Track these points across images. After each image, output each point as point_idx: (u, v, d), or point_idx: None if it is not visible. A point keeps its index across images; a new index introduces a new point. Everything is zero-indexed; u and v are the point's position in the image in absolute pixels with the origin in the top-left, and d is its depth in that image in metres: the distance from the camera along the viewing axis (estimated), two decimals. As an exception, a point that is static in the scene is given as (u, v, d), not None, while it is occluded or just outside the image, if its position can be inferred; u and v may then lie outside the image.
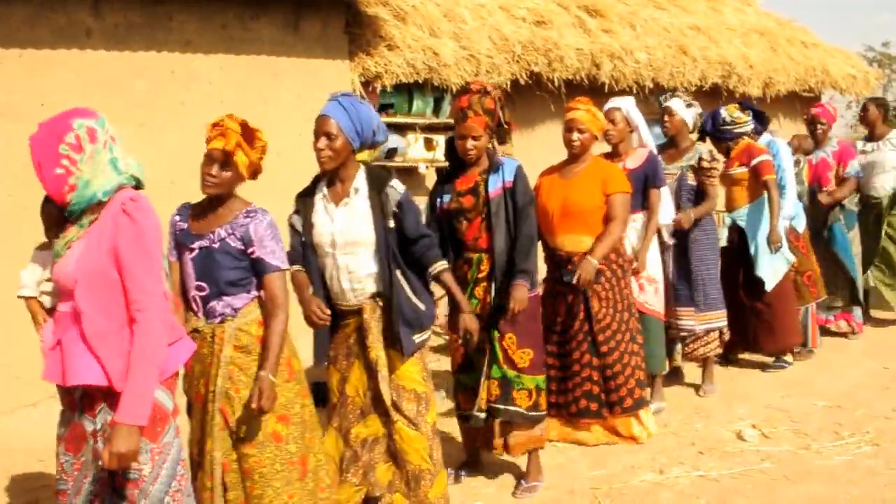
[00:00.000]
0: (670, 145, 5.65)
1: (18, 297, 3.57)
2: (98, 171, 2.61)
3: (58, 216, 2.81)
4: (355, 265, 3.47)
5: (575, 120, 4.52)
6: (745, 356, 6.35)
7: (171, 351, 2.71)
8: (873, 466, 4.34)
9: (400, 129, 7.13)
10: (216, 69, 5.95)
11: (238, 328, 3.10)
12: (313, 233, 3.51)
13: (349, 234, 3.45)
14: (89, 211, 2.64)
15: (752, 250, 5.91)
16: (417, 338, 3.52)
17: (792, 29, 11.64)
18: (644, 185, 5.03)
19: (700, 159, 5.46)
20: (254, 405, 3.02)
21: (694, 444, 4.74)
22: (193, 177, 3.27)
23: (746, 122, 5.87)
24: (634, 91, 8.33)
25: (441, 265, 3.57)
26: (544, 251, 4.70)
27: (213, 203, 3.15)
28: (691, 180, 5.50)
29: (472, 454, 4.41)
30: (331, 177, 3.51)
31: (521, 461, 4.29)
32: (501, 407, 4.04)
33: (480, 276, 4.06)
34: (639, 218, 5.05)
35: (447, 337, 5.00)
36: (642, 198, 5.05)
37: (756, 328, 6.02)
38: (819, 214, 6.81)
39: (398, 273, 3.47)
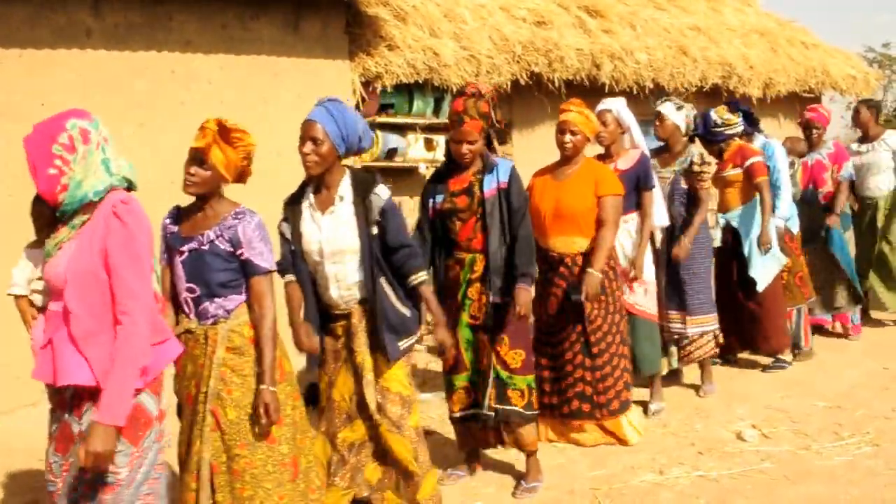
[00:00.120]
0: (665, 149, 5.65)
1: (8, 294, 3.57)
2: (90, 171, 2.62)
3: (48, 215, 2.82)
4: (343, 273, 3.50)
5: (567, 122, 4.52)
6: (745, 356, 6.36)
7: (158, 351, 2.72)
8: (873, 467, 4.33)
9: (400, 129, 7.13)
10: (216, 69, 5.96)
11: (230, 329, 3.11)
12: (302, 241, 3.53)
13: (336, 242, 3.47)
14: (81, 212, 2.65)
15: (745, 251, 5.92)
16: (403, 344, 3.54)
17: (792, 29, 11.65)
18: (636, 185, 5.02)
19: (691, 163, 5.45)
20: (263, 421, 3.05)
21: (694, 445, 4.74)
22: (193, 177, 3.27)
23: (737, 124, 5.87)
24: (635, 92, 8.34)
25: (419, 276, 3.54)
26: (536, 252, 4.70)
27: (201, 205, 3.15)
28: (684, 184, 5.49)
29: (471, 454, 4.41)
30: (317, 183, 3.53)
31: (520, 462, 4.29)
32: (499, 407, 4.06)
33: (474, 276, 4.06)
34: (630, 219, 5.04)
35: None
36: (635, 198, 5.04)
37: (750, 328, 6.03)
38: (816, 216, 6.83)
39: (383, 280, 3.49)
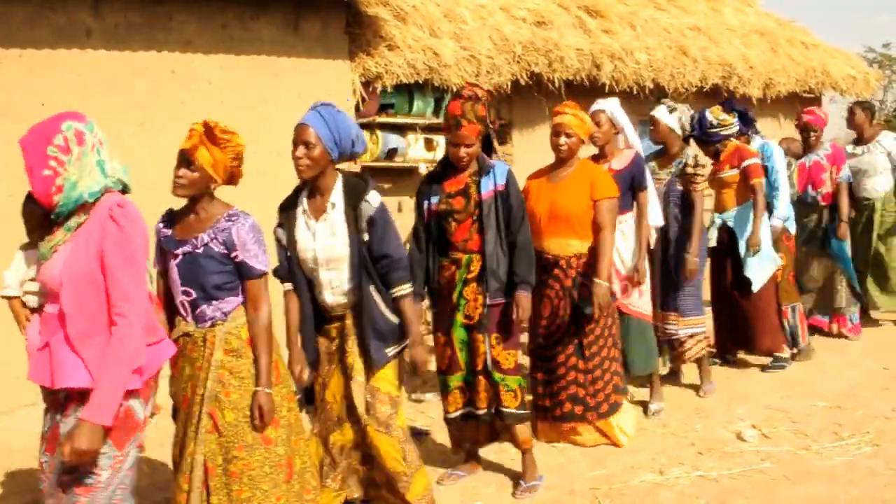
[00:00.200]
0: (664, 151, 5.64)
1: (0, 296, 3.58)
2: (85, 172, 2.63)
3: (40, 216, 2.82)
4: (338, 280, 3.52)
5: (562, 124, 4.52)
6: (745, 356, 6.36)
7: (152, 352, 2.73)
8: (873, 467, 4.34)
9: (400, 129, 7.13)
10: (216, 69, 5.96)
11: (228, 332, 3.11)
12: (297, 249, 3.54)
13: (329, 250, 3.48)
14: (76, 213, 2.66)
15: (741, 251, 5.92)
16: (391, 350, 3.55)
17: (792, 29, 11.64)
18: (631, 185, 5.01)
19: (685, 165, 5.43)
20: (257, 423, 3.07)
21: (694, 445, 4.74)
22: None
23: (732, 124, 5.87)
24: (635, 92, 8.34)
25: (402, 289, 3.53)
26: None
27: (193, 207, 3.14)
28: (680, 186, 5.48)
29: (470, 455, 4.41)
30: (311, 188, 3.54)
31: (520, 461, 4.28)
32: (492, 409, 4.10)
33: (470, 276, 4.06)
34: (625, 219, 5.03)
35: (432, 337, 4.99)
36: (629, 198, 5.03)
37: (744, 328, 6.04)
38: (814, 217, 6.83)
39: (372, 288, 3.49)
